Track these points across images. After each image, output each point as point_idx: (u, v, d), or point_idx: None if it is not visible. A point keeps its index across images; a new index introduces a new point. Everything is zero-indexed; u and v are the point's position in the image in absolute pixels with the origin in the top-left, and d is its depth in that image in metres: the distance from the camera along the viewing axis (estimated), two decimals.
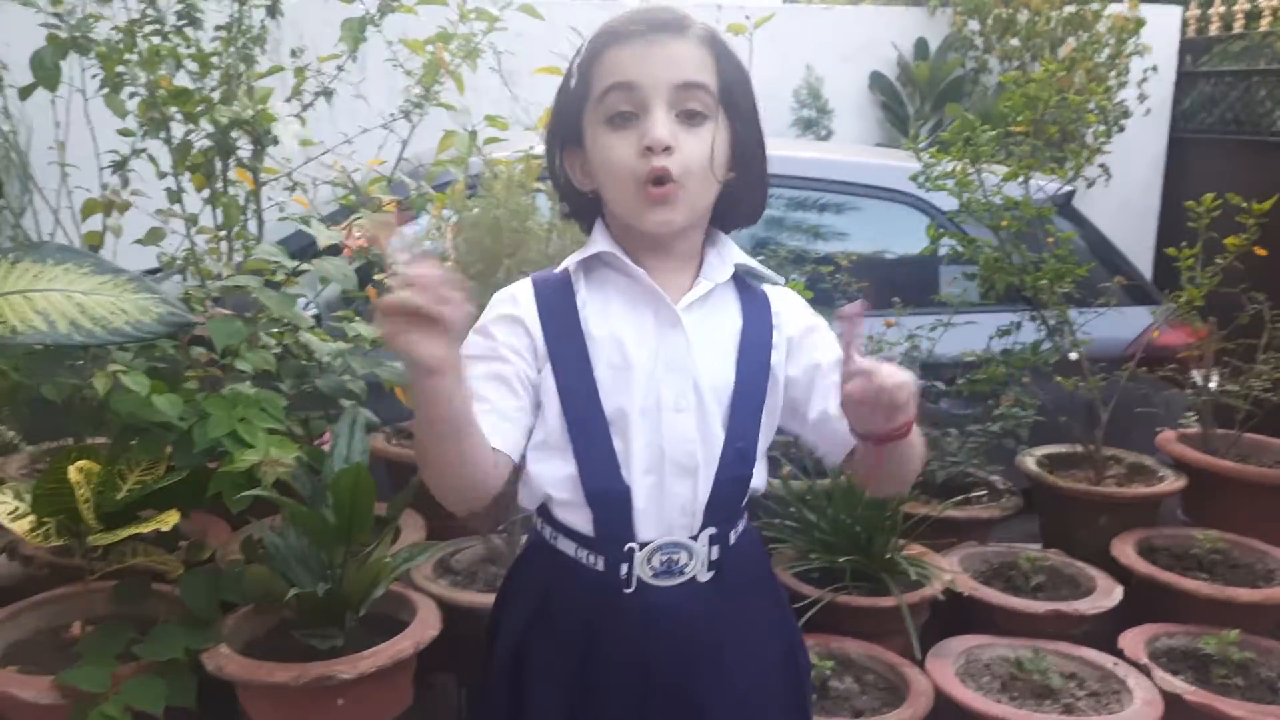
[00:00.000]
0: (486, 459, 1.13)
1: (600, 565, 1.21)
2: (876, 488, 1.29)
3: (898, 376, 1.02)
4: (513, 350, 1.19)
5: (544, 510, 1.25)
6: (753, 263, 1.27)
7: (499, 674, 1.29)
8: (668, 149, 1.12)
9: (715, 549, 1.22)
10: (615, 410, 1.18)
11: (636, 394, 1.18)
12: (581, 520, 1.21)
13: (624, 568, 1.20)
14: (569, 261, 1.23)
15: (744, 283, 1.27)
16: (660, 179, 1.13)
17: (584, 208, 1.26)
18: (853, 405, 1.05)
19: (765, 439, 1.25)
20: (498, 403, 1.17)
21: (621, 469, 1.18)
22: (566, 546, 1.23)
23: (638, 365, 1.18)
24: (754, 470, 1.24)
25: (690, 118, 1.14)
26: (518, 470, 1.23)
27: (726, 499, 1.22)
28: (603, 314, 1.20)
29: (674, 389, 1.18)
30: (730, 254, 1.25)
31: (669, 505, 1.19)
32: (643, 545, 1.19)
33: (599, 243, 1.22)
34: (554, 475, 1.20)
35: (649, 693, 1.21)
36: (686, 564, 1.21)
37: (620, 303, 1.21)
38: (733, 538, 1.25)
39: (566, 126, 1.21)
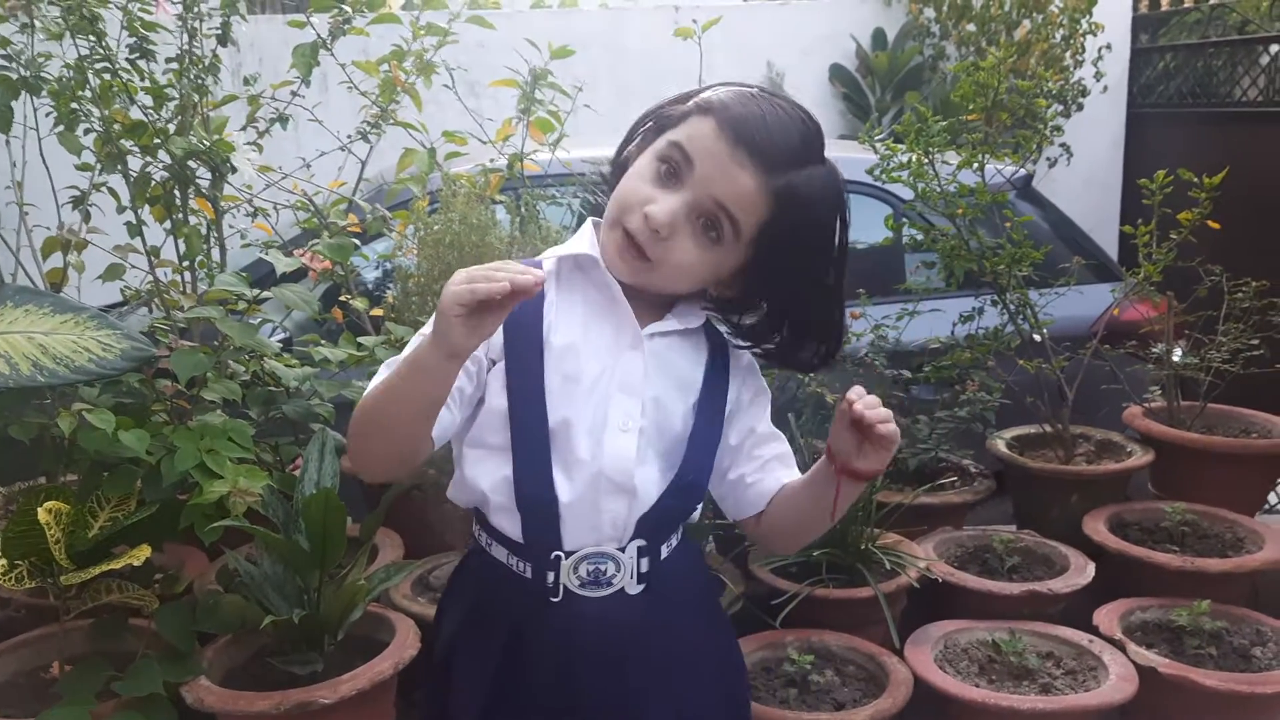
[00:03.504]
0: (429, 438, 1.17)
1: (528, 573, 1.23)
2: (785, 540, 1.35)
3: (890, 420, 1.12)
4: None
5: (480, 516, 1.27)
6: (714, 314, 1.28)
7: (433, 675, 1.33)
8: (658, 232, 1.13)
9: (644, 561, 1.24)
10: (560, 421, 1.19)
11: (583, 408, 1.19)
12: (511, 526, 1.22)
13: (550, 576, 1.22)
14: (547, 256, 1.24)
15: (715, 332, 1.29)
16: (640, 251, 1.15)
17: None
18: (845, 434, 1.14)
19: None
20: None
21: (555, 479, 1.19)
22: (499, 553, 1.25)
23: (587, 379, 1.19)
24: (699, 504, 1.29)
25: (706, 230, 1.15)
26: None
27: (663, 519, 1.24)
28: (565, 321, 1.21)
29: (622, 409, 1.20)
30: (701, 307, 1.26)
31: (599, 519, 1.21)
32: (569, 554, 1.21)
33: (584, 243, 1.22)
34: (491, 477, 1.21)
35: (573, 701, 1.22)
36: (614, 575, 1.23)
37: (585, 312, 1.21)
38: (664, 551, 1.27)
39: (657, 124, 1.22)
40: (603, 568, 1.22)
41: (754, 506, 1.30)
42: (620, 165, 1.25)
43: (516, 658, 1.23)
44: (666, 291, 1.22)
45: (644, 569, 1.24)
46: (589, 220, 1.26)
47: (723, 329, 1.29)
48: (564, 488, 1.19)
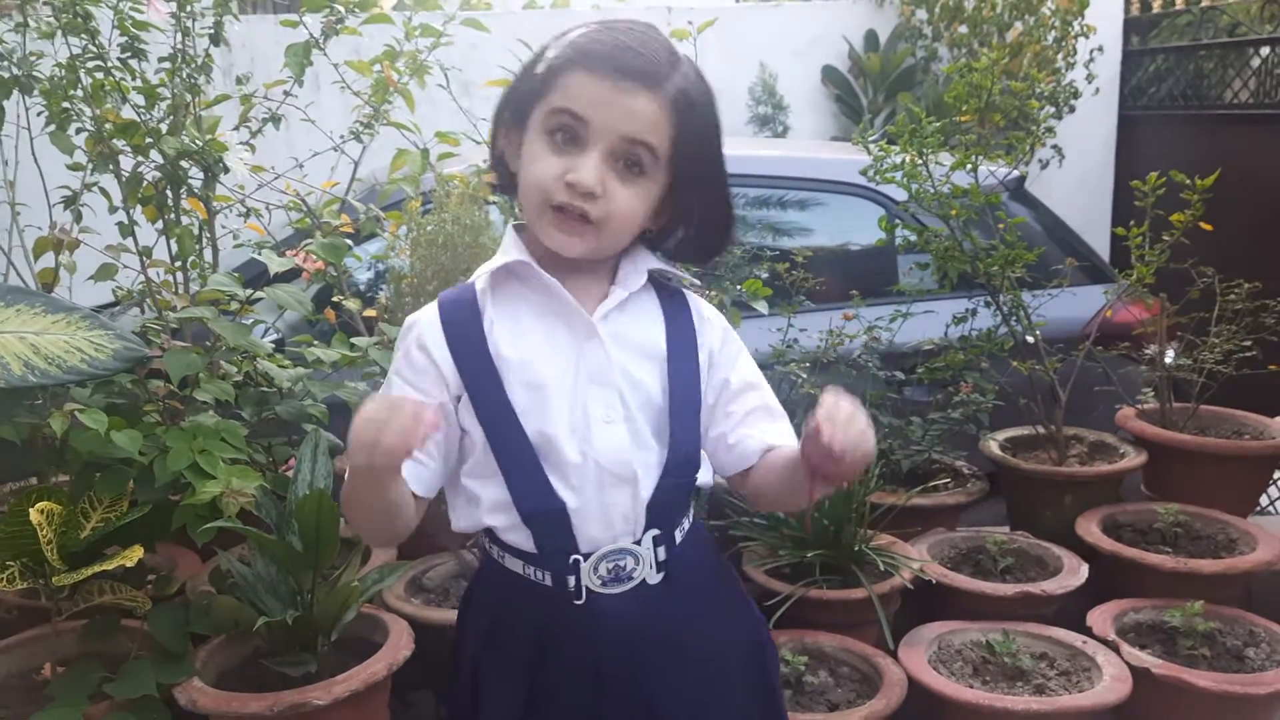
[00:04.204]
0: (411, 507, 1.17)
1: (548, 580, 1.21)
2: (769, 505, 1.34)
3: (865, 443, 1.05)
4: (417, 390, 1.19)
5: (489, 530, 1.25)
6: (667, 267, 1.27)
7: (460, 693, 1.30)
8: (591, 194, 1.12)
9: (661, 549, 1.23)
10: (537, 433, 1.18)
11: (559, 412, 1.18)
12: (523, 539, 1.21)
13: (571, 580, 1.20)
14: (479, 274, 1.23)
15: (663, 287, 1.28)
16: (581, 216, 1.13)
17: (512, 184, 1.25)
18: (817, 447, 1.05)
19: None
20: None
21: (555, 486, 1.18)
22: (514, 565, 1.24)
23: (553, 383, 1.18)
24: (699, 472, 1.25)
25: (628, 168, 1.15)
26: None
27: (670, 502, 1.23)
28: (513, 333, 1.19)
29: (601, 401, 1.19)
30: (644, 260, 1.25)
31: (609, 515, 1.20)
32: (586, 556, 1.20)
33: (511, 250, 1.21)
34: (489, 501, 1.20)
35: (601, 701, 1.21)
36: (634, 569, 1.22)
37: (531, 318, 1.20)
38: (678, 536, 1.25)
39: (515, 108, 1.20)
40: (622, 564, 1.21)
41: (738, 465, 1.27)
42: (501, 163, 1.24)
43: (544, 665, 1.22)
44: (618, 247, 1.20)
45: (661, 557, 1.23)
46: (509, 226, 1.25)
47: (665, 266, 1.26)
48: (567, 494, 1.18)
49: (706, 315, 1.29)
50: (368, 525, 1.19)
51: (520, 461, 1.18)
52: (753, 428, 1.26)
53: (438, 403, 1.17)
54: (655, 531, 1.22)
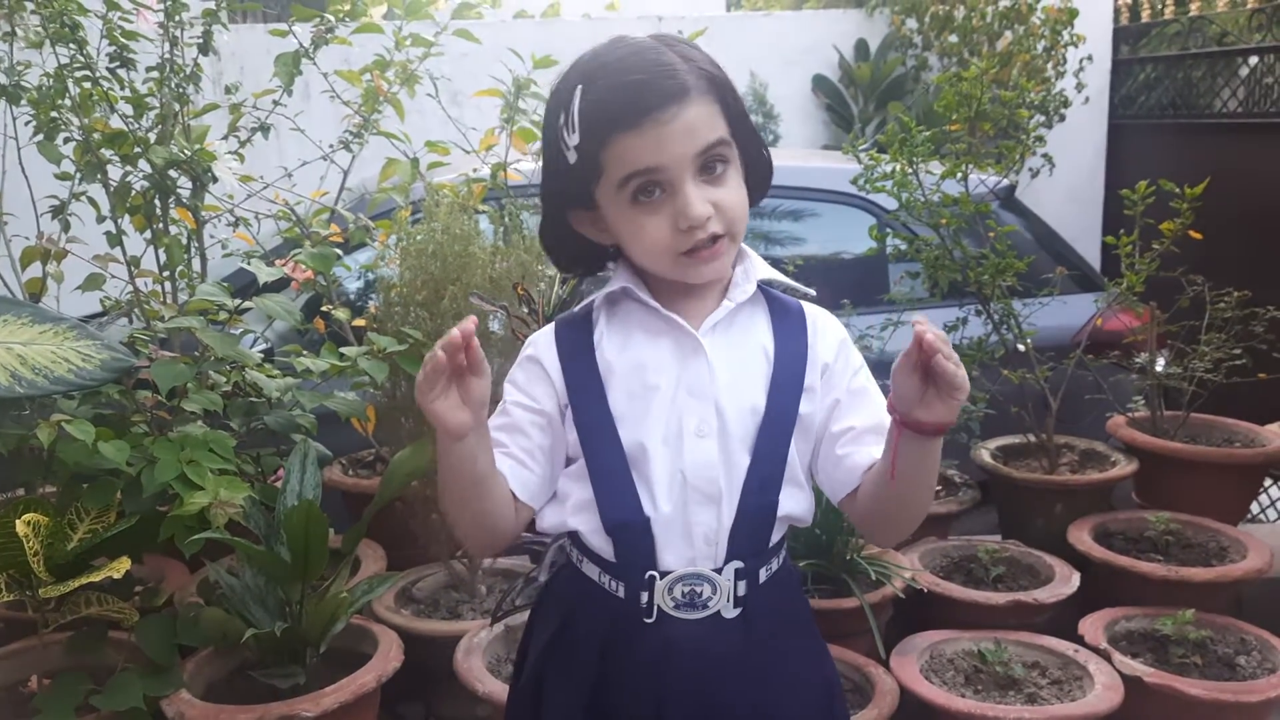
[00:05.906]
0: (508, 508, 1.17)
1: (621, 592, 1.19)
2: (877, 522, 1.22)
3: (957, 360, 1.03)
4: (528, 395, 1.20)
5: (573, 534, 1.24)
6: (780, 276, 1.24)
7: (523, 693, 1.29)
8: (710, 218, 1.12)
9: (742, 584, 1.19)
10: (634, 443, 1.17)
11: (657, 422, 1.17)
12: (604, 545, 1.20)
13: (644, 596, 1.18)
14: (592, 299, 1.23)
15: (774, 298, 1.25)
16: (712, 239, 1.13)
17: (596, 255, 1.26)
18: (908, 379, 1.04)
19: (803, 463, 1.22)
20: (512, 448, 1.19)
21: (642, 499, 1.17)
22: (590, 571, 1.22)
23: (655, 392, 1.17)
24: (779, 498, 1.19)
25: (716, 167, 1.13)
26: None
27: (752, 529, 1.19)
28: (622, 345, 1.20)
29: (696, 414, 1.17)
30: (754, 270, 1.23)
31: (692, 534, 1.17)
32: (664, 574, 1.17)
33: (619, 279, 1.21)
34: (575, 501, 1.20)
35: None
36: (710, 597, 1.18)
37: (641, 333, 1.20)
38: (763, 575, 1.21)
39: (573, 194, 1.19)
40: (699, 589, 1.18)
41: (845, 486, 1.21)
42: (578, 240, 1.22)
43: (609, 678, 1.20)
44: (742, 237, 1.19)
45: (741, 593, 1.19)
46: (620, 259, 1.23)
47: (775, 275, 1.24)
48: (652, 507, 1.17)
49: (822, 327, 1.24)
50: (461, 518, 1.17)
51: (611, 472, 1.17)
52: (860, 445, 1.19)
53: (541, 408, 1.19)
54: (738, 564, 1.18)
